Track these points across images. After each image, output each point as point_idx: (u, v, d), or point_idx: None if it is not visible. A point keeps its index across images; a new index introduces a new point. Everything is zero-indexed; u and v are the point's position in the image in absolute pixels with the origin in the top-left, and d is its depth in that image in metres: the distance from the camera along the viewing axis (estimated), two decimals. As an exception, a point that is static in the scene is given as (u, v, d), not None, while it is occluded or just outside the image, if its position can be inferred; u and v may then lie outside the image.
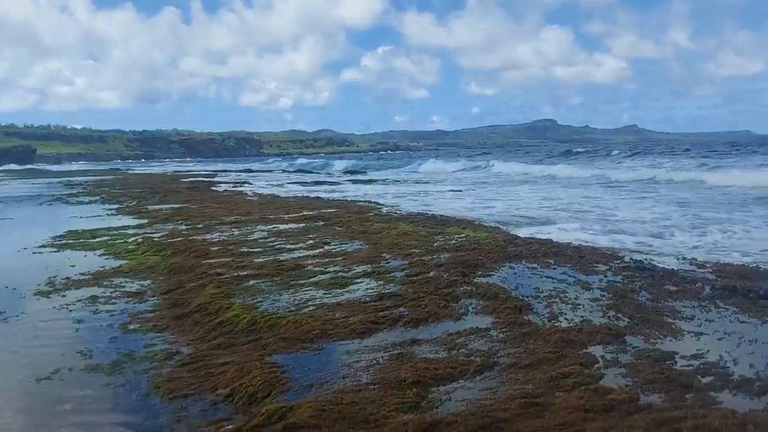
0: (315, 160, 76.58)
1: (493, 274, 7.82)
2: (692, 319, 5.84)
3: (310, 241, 10.88)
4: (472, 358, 4.92)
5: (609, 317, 5.94)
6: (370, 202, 19.67)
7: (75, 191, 31.05)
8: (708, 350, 4.98)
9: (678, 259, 8.75)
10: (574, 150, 74.56)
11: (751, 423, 3.63)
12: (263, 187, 30.50)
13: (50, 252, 10.99)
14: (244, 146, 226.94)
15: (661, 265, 8.18)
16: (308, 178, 41.84)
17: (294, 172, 54.94)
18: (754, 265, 8.15)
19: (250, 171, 57.84)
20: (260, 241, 11.18)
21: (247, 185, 32.74)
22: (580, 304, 6.43)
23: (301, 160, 78.22)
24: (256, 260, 9.17)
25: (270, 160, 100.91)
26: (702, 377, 4.41)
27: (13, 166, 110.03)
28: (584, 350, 5.02)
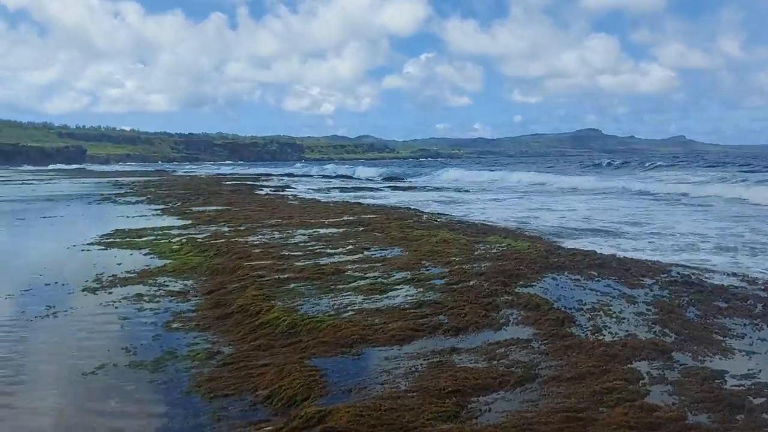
0: (342, 167, 77.45)
1: (535, 285, 7.69)
2: (743, 338, 5.64)
3: (350, 246, 10.91)
4: (513, 369, 4.84)
5: (655, 332, 5.77)
6: (410, 208, 19.65)
7: (123, 191, 31.93)
8: (760, 370, 4.79)
9: (726, 274, 8.47)
10: (605, 162, 70.02)
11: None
12: (305, 192, 30.81)
13: (98, 250, 11.29)
14: (286, 150, 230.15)
15: (709, 281, 7.93)
16: (350, 183, 42.06)
17: (335, 177, 55.32)
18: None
19: (291, 175, 58.49)
20: (301, 244, 11.27)
21: (288, 189, 33.11)
22: (624, 318, 6.27)
23: (329, 166, 79.15)
24: (297, 263, 9.24)
25: (298, 165, 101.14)
26: (753, 398, 4.24)
27: (60, 166, 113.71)
28: (629, 365, 4.88)
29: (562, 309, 6.53)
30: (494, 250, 10.17)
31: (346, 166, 79.85)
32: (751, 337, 5.64)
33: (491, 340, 5.60)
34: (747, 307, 6.62)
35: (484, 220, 16.14)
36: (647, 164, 58.97)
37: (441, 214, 18.03)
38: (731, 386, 4.46)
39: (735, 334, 5.73)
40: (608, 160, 73.14)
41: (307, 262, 9.34)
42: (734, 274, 8.46)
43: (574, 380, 4.57)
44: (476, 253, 9.96)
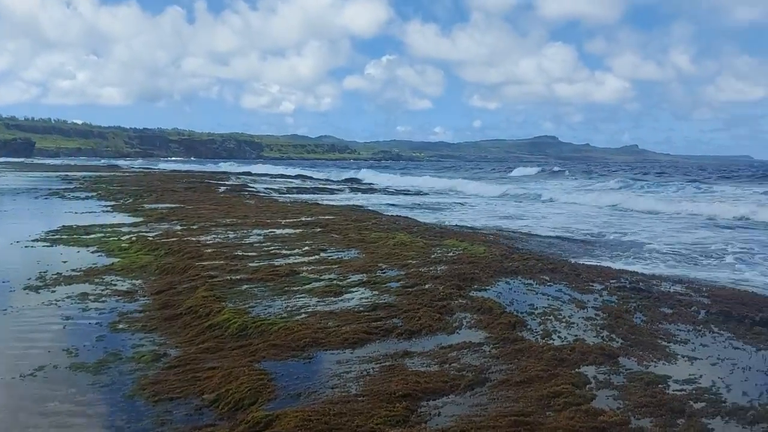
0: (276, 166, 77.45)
1: (489, 289, 7.76)
2: (686, 343, 5.79)
3: (307, 248, 10.81)
4: (464, 372, 4.86)
5: (603, 337, 5.88)
6: (369, 210, 19.62)
7: (72, 186, 31.01)
8: (701, 375, 4.92)
9: (673, 281, 8.69)
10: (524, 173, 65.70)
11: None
12: (263, 191, 30.46)
13: (43, 246, 10.92)
14: (244, 148, 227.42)
15: (656, 287, 8.13)
16: (309, 183, 41.78)
17: (294, 177, 54.93)
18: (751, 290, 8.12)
19: (249, 174, 57.77)
20: (255, 245, 11.12)
21: (246, 188, 32.68)
22: (574, 323, 6.37)
23: (258, 166, 77.62)
24: (250, 264, 9.10)
25: (222, 164, 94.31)
26: (694, 403, 4.35)
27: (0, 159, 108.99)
28: (576, 370, 4.96)
29: (514, 313, 6.60)
30: (450, 254, 10.21)
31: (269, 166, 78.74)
32: (693, 343, 5.79)
33: (444, 344, 5.61)
34: (691, 313, 6.81)
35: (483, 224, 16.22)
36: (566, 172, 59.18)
37: (400, 216, 18.05)
38: (673, 391, 4.57)
39: (679, 339, 5.88)
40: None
41: (261, 263, 9.21)
42: (680, 281, 8.69)
43: (523, 384, 4.61)
44: (433, 256, 9.99)
